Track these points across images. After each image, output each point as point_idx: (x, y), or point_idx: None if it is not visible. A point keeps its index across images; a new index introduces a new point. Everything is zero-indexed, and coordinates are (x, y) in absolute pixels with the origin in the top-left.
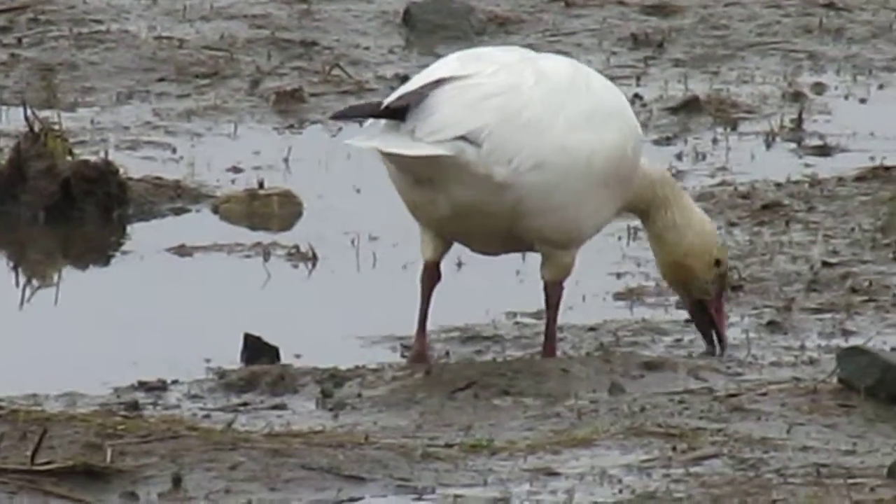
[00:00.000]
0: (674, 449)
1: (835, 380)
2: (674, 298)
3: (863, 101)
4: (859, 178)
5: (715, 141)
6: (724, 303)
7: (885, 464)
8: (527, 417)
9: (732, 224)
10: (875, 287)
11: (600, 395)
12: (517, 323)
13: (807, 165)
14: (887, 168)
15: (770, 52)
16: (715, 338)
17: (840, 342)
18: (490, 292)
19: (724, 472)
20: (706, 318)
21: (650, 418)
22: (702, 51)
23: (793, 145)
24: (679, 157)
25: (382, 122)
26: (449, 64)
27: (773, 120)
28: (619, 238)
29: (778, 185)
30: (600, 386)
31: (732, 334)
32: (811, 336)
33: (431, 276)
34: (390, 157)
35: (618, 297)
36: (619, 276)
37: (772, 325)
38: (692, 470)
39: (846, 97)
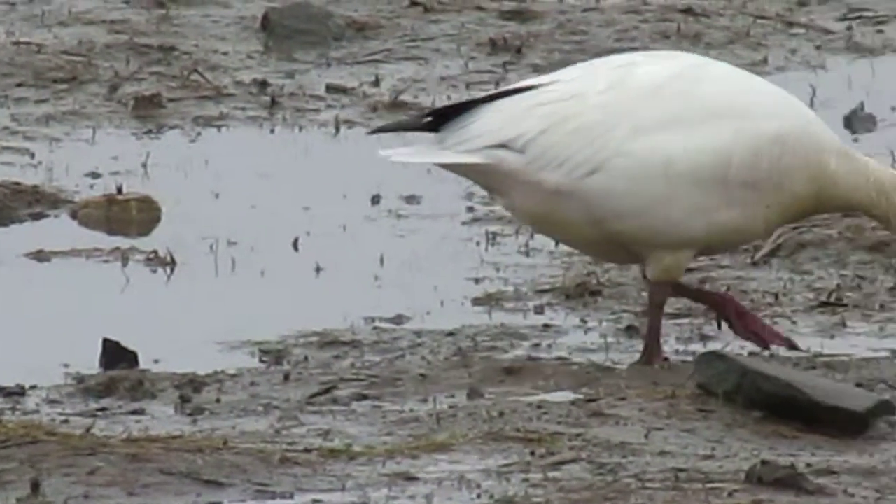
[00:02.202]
0: (532, 454)
1: (693, 385)
2: (532, 303)
3: None
4: None
5: None
6: None
7: (742, 468)
8: (385, 422)
9: None
10: (733, 292)
11: (459, 400)
12: (375, 328)
13: None
14: None
15: None
16: None
17: (698, 347)
18: (348, 297)
19: (582, 477)
20: None
21: (509, 423)
22: (560, 56)
23: None
24: None
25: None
26: (562, 71)
27: None
28: (478, 243)
29: None
30: (459, 391)
31: (590, 339)
32: (669, 341)
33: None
34: (445, 167)
35: (476, 302)
36: (477, 281)
37: (630, 330)
38: (551, 475)
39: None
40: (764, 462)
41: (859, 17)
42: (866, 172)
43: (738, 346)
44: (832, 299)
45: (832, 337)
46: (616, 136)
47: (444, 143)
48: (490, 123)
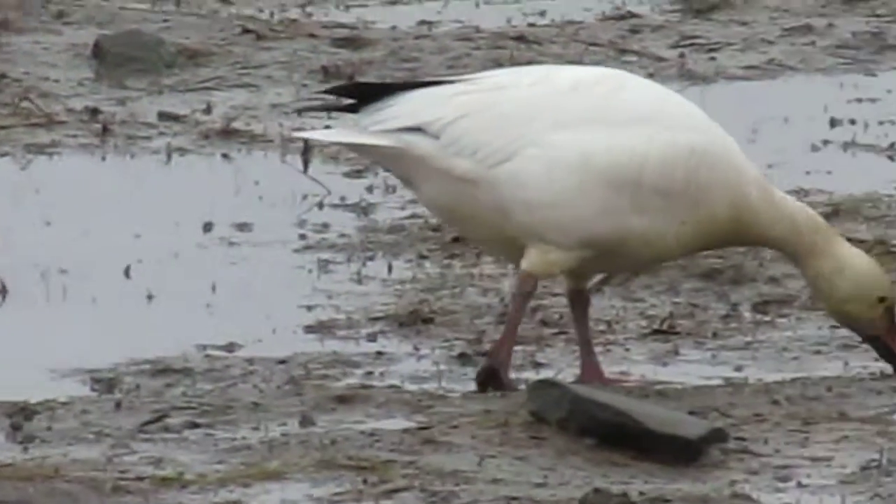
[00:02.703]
0: (365, 482)
1: (526, 412)
2: (365, 331)
3: None
4: None
5: None
6: None
7: (575, 496)
8: (217, 450)
9: (423, 257)
10: (565, 320)
11: (291, 428)
12: (207, 356)
13: None
14: None
15: None
16: None
17: (531, 375)
18: (180, 325)
19: None
20: (883, 350)
21: (341, 451)
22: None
23: None
24: (370, 189)
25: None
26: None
27: None
28: (310, 271)
29: None
30: (291, 419)
31: (422, 366)
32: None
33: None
34: (347, 147)
35: (308, 329)
36: (309, 308)
37: (463, 358)
38: (383, 503)
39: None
40: (597, 490)
41: (692, 45)
42: (782, 208)
43: (571, 374)
44: (665, 327)
45: (665, 364)
46: (535, 127)
47: (360, 125)
48: (408, 107)
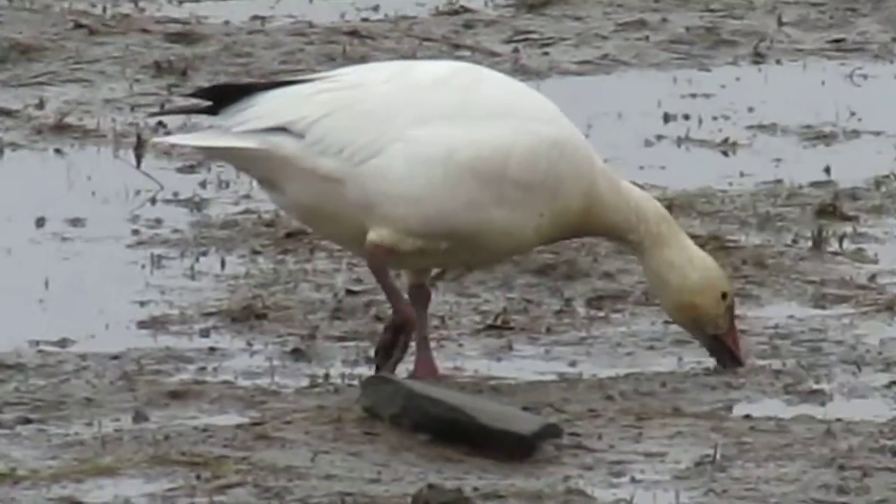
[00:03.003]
0: (198, 477)
1: (359, 408)
2: (198, 326)
3: None
4: None
5: None
6: (736, 328)
7: (409, 492)
8: (50, 446)
9: (256, 252)
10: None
11: (124, 424)
12: (40, 351)
13: None
14: None
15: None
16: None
17: (364, 370)
18: (12, 321)
19: (248, 501)
20: (725, 352)
21: (174, 447)
22: (225, 78)
23: None
24: (203, 185)
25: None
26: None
27: None
28: (143, 266)
29: None
30: (124, 414)
31: (256, 362)
32: (335, 364)
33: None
34: (207, 152)
35: (141, 325)
36: (142, 304)
37: (296, 353)
38: (216, 499)
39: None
40: (430, 486)
41: (525, 40)
42: (628, 197)
43: (404, 370)
44: (499, 322)
45: (499, 360)
46: (398, 123)
47: (222, 127)
48: (269, 108)
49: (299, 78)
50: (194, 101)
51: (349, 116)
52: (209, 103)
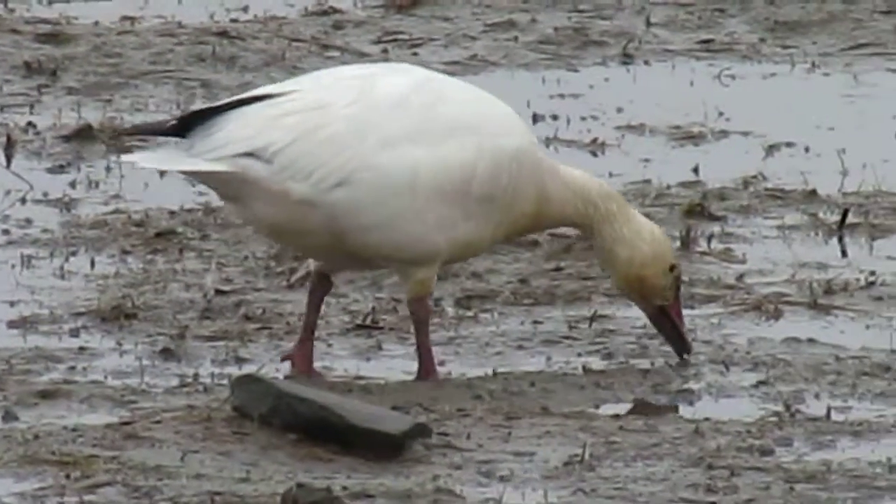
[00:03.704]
0: (68, 477)
1: (229, 407)
2: (68, 326)
3: None
4: None
5: (109, 169)
6: (681, 304)
7: (278, 491)
8: None
9: (126, 252)
10: (269, 315)
11: None
12: None
13: (201, 193)
14: None
15: (164, 81)
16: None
17: (234, 370)
18: None
19: (118, 500)
20: (668, 323)
21: (44, 446)
22: (95, 79)
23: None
24: (73, 185)
25: (173, 140)
26: (285, 82)
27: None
28: (13, 266)
29: (172, 212)
30: None
31: (125, 362)
32: (205, 364)
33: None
34: (189, 175)
35: (11, 325)
36: (12, 304)
37: (165, 353)
38: (86, 498)
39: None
40: (300, 485)
41: (394, 40)
42: (571, 184)
43: (274, 369)
44: (368, 322)
45: (368, 360)
46: (363, 149)
47: (191, 150)
48: (238, 131)
49: (261, 93)
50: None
51: (315, 142)
52: (174, 124)
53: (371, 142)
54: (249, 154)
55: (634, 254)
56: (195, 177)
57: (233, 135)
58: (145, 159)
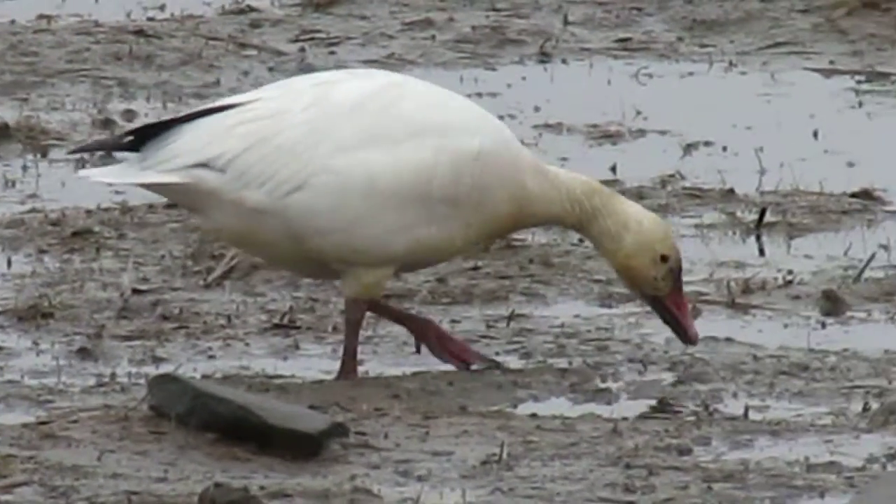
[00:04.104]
0: None
1: (146, 407)
2: None
3: None
4: (170, 206)
5: (25, 168)
6: (682, 295)
7: (196, 491)
8: None
9: (42, 251)
10: (186, 314)
11: None
12: None
13: (117, 192)
14: None
15: (80, 79)
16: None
17: (151, 369)
18: None
19: (35, 500)
20: (667, 314)
21: None
22: (11, 77)
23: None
24: None
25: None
26: (248, 93)
27: None
28: None
29: (88, 211)
30: None
31: (42, 361)
32: (122, 363)
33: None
34: (145, 188)
35: None
36: None
37: (82, 353)
38: (3, 498)
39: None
40: (217, 484)
41: (312, 39)
42: (558, 184)
43: (191, 369)
44: (285, 321)
45: (285, 359)
46: (318, 153)
47: (145, 163)
48: (191, 142)
49: (218, 105)
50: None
51: (269, 149)
52: (129, 138)
53: (326, 147)
54: (203, 164)
55: (619, 245)
56: (152, 189)
57: (186, 146)
58: (101, 174)
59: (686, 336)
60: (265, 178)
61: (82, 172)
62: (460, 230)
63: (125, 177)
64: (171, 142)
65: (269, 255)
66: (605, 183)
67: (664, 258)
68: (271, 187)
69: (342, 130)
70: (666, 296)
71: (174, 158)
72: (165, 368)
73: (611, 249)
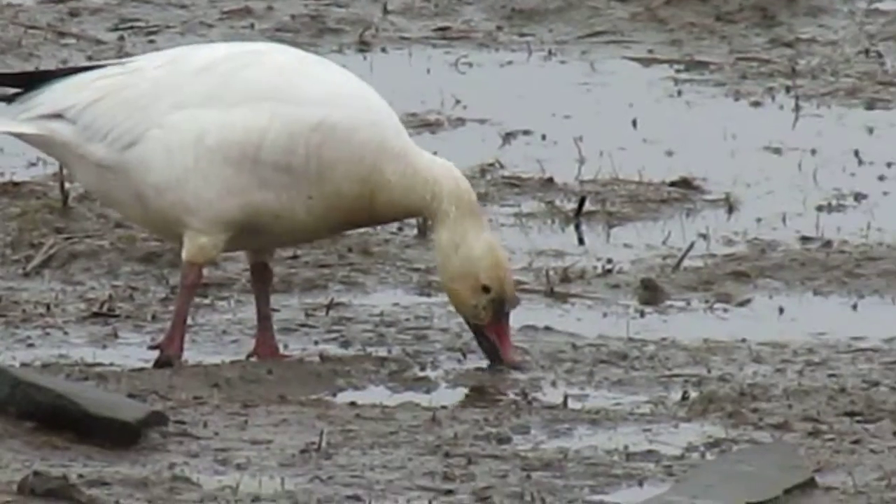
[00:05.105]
0: None
1: None
2: None
3: None
4: None
5: None
6: (505, 326)
7: (15, 479)
8: None
9: None
10: (4, 302)
11: None
12: None
13: None
14: (16, 184)
15: None
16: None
17: None
18: None
19: None
20: (485, 342)
21: None
22: None
23: None
24: None
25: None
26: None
27: None
28: None
29: None
30: None
31: None
32: None
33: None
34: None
35: None
36: None
37: None
38: None
39: None
40: (36, 473)
41: (131, 28)
42: (426, 176)
43: (10, 357)
44: (104, 310)
45: (104, 347)
46: (158, 109)
47: (10, 112)
48: (54, 94)
49: (99, 64)
50: None
51: (115, 102)
52: (15, 90)
53: (166, 103)
54: (57, 115)
55: (445, 264)
56: (21, 139)
57: (49, 97)
58: None
59: (501, 362)
60: (107, 131)
61: None
62: (300, 201)
63: None
64: (38, 93)
65: (128, 215)
66: None
67: (486, 289)
68: (111, 140)
69: (184, 88)
70: (487, 326)
71: (33, 108)
72: None
73: (439, 265)
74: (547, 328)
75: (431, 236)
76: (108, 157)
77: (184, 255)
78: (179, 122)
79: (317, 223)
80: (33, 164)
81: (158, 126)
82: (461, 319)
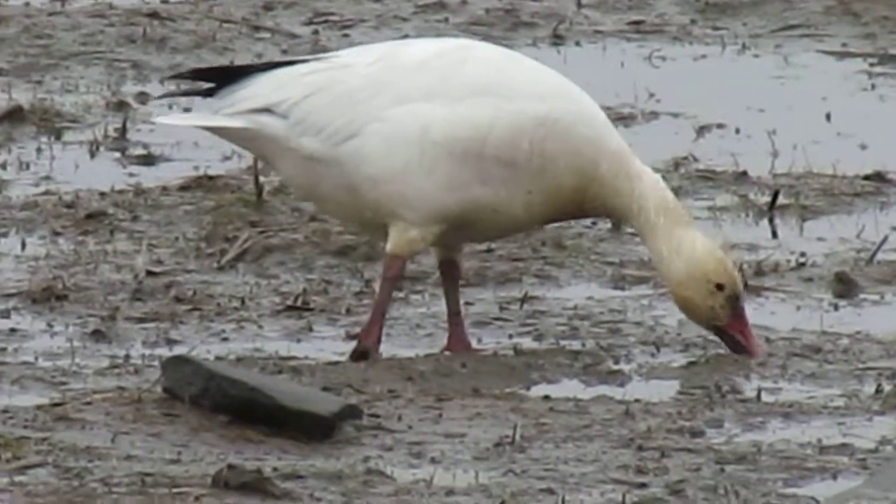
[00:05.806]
0: None
1: (159, 389)
2: None
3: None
4: (183, 188)
5: (39, 150)
6: (745, 320)
7: (209, 473)
8: None
9: (57, 233)
10: (199, 296)
11: None
12: None
13: (131, 175)
14: (210, 177)
15: (94, 62)
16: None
17: (164, 351)
18: None
19: (48, 482)
20: (731, 342)
21: None
22: (25, 60)
23: (117, 154)
24: (3, 166)
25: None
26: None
27: (97, 129)
28: None
29: (102, 194)
30: None
31: (56, 343)
32: (136, 345)
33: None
34: (208, 130)
35: None
36: None
37: (96, 335)
38: (17, 479)
39: (170, 106)
40: (230, 466)
41: (325, 21)
42: (635, 183)
43: (204, 351)
44: (299, 303)
45: (299, 341)
46: (375, 104)
47: (214, 108)
48: (259, 89)
49: (298, 59)
50: (189, 82)
51: (329, 97)
52: (210, 85)
53: (384, 98)
54: (267, 110)
55: (670, 272)
56: (221, 135)
57: (253, 91)
58: (172, 118)
59: (751, 357)
60: (322, 125)
61: (160, 119)
62: (520, 196)
63: (194, 120)
64: (241, 88)
65: (332, 208)
66: None
67: (720, 286)
68: (327, 135)
69: (403, 84)
70: (726, 324)
71: (240, 103)
72: (179, 350)
73: (663, 275)
74: None
75: (646, 248)
76: (322, 151)
77: (388, 247)
78: (402, 116)
79: (530, 217)
80: (228, 158)
81: (378, 120)
82: (655, 313)
